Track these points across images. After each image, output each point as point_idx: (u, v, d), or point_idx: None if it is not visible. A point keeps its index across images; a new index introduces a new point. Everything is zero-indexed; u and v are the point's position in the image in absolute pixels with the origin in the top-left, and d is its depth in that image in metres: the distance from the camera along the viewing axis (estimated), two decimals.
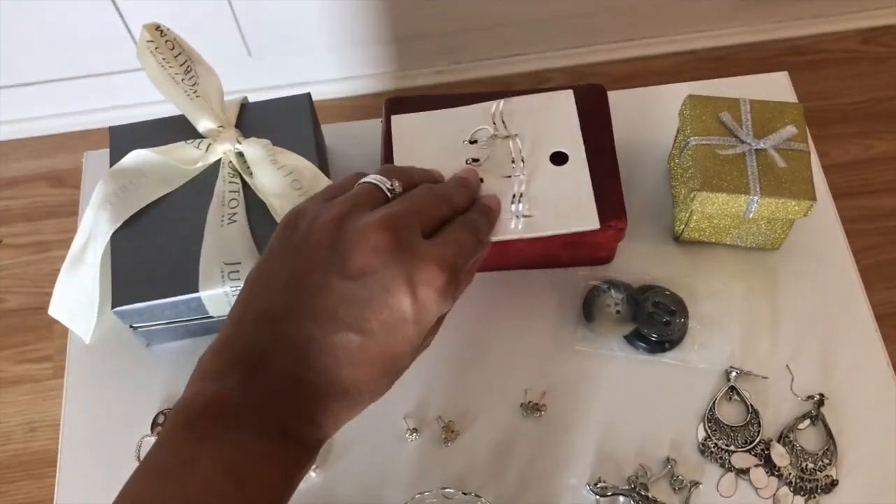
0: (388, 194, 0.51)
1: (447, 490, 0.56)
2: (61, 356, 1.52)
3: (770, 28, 1.77)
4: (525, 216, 0.62)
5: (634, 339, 0.65)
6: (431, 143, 0.64)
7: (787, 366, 0.65)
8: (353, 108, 1.74)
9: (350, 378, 0.45)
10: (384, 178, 0.51)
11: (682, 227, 0.67)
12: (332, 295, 0.45)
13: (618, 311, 0.65)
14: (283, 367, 0.44)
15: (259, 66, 1.64)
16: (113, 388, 0.66)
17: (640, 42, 1.76)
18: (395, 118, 0.65)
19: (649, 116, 0.75)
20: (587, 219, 0.62)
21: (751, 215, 0.64)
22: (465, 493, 0.56)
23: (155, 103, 0.66)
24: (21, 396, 1.51)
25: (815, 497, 0.60)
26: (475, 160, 0.62)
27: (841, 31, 1.80)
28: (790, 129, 0.64)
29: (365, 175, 0.52)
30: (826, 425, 0.62)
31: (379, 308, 0.45)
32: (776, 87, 0.77)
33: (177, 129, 0.66)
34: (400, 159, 0.64)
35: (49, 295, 0.67)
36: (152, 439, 0.63)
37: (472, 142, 0.63)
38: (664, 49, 1.78)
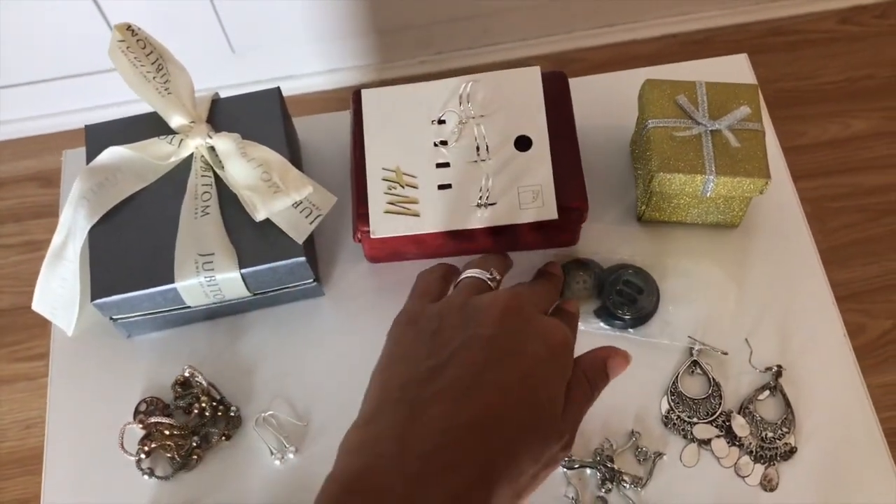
0: (490, 284, 0.55)
1: None
2: None
3: (750, 10, 1.78)
4: (489, 204, 0.64)
5: (606, 316, 0.67)
6: (400, 122, 0.66)
7: (745, 340, 0.67)
8: (337, 100, 1.75)
9: (502, 426, 0.43)
10: (483, 270, 0.56)
11: (644, 207, 0.70)
12: (477, 347, 0.46)
13: (585, 287, 0.68)
14: (439, 421, 0.42)
15: (241, 62, 1.66)
16: (96, 378, 0.68)
17: (621, 27, 1.78)
18: (365, 92, 0.68)
19: (612, 101, 0.77)
20: (546, 208, 0.64)
21: (708, 194, 0.66)
22: None
23: (140, 101, 0.68)
24: (16, 394, 1.53)
25: (774, 464, 0.63)
26: (443, 142, 0.65)
27: (819, 12, 1.82)
28: (744, 110, 0.66)
29: (449, 267, 0.58)
30: (784, 395, 0.65)
31: (520, 354, 0.46)
32: (736, 69, 0.78)
33: (151, 126, 0.68)
34: (370, 138, 0.66)
35: None
36: (134, 427, 0.65)
37: (441, 122, 0.65)
38: (645, 34, 1.79)
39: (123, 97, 1.59)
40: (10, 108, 1.72)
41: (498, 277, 0.56)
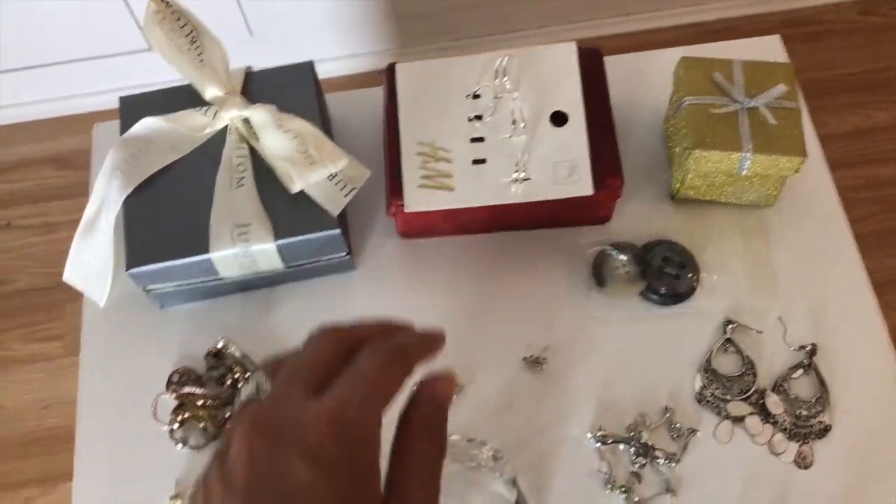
0: (261, 396, 0.40)
1: (452, 437, 0.58)
2: (72, 335, 1.55)
3: (770, 0, 1.77)
4: (524, 179, 0.64)
5: (647, 293, 0.67)
6: (435, 96, 0.66)
7: (779, 318, 0.67)
8: (358, 84, 1.75)
9: None
10: (251, 389, 0.43)
11: (679, 185, 0.69)
12: None
13: (627, 272, 0.67)
14: None
15: (260, 46, 1.65)
16: (128, 349, 0.68)
17: (641, 16, 1.77)
18: (399, 66, 0.68)
19: (645, 80, 0.77)
20: (582, 184, 0.64)
21: (744, 172, 0.65)
22: (469, 440, 0.58)
23: (158, 84, 0.69)
24: (33, 375, 1.54)
25: (808, 442, 0.63)
26: (478, 117, 0.64)
27: (840, 3, 1.81)
28: (780, 88, 0.66)
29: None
30: (818, 374, 0.64)
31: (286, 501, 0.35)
32: (769, 49, 0.78)
33: (184, 98, 0.68)
34: (404, 113, 0.66)
35: (59, 275, 0.69)
36: (167, 397, 0.65)
37: (476, 96, 0.65)
38: (666, 23, 1.79)
39: (143, 80, 1.59)
40: (28, 90, 1.72)
41: (265, 381, 0.40)
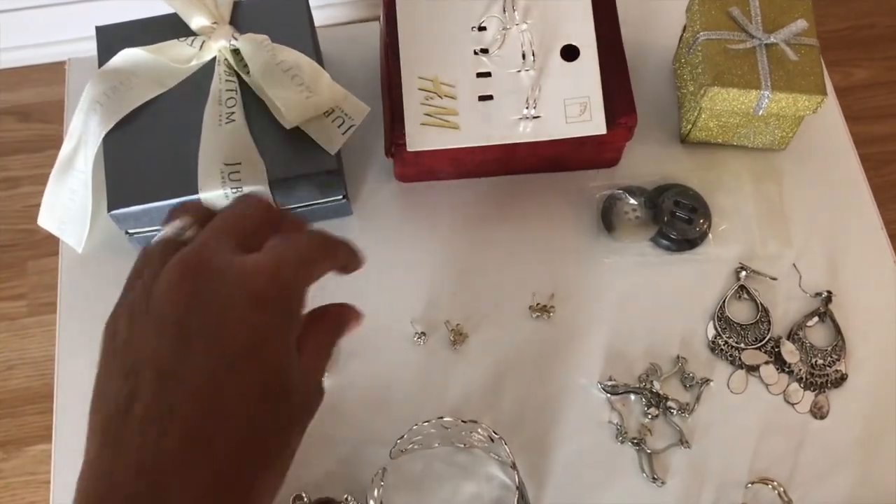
0: (183, 238, 0.41)
1: (445, 419, 0.55)
2: (36, 294, 1.49)
3: None
4: (534, 117, 0.60)
5: (658, 238, 0.64)
6: (437, 28, 0.62)
7: (793, 265, 0.64)
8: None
9: (223, 432, 0.36)
10: (168, 227, 0.42)
11: (690, 126, 0.66)
12: (166, 350, 0.37)
13: (637, 217, 0.64)
14: (142, 449, 0.35)
15: None
16: (109, 298, 0.63)
17: None
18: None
19: (650, 19, 0.73)
20: (595, 123, 0.61)
21: (760, 112, 0.62)
22: (463, 422, 0.55)
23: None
24: None
25: (824, 392, 0.61)
26: (484, 50, 0.61)
27: None
28: (801, 24, 0.63)
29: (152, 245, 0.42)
30: (834, 321, 0.62)
31: (222, 335, 0.37)
32: None
33: (168, 28, 0.63)
34: (405, 49, 0.62)
35: (23, 231, 0.65)
36: None
37: (482, 28, 0.61)
38: None
39: None
40: None
41: (191, 225, 0.41)
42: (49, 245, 0.64)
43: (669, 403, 0.60)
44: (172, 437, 0.35)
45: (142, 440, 0.35)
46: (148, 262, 0.40)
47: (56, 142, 0.64)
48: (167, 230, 0.41)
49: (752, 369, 0.61)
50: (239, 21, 0.64)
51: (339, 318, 0.45)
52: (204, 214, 0.43)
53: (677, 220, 0.64)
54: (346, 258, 0.45)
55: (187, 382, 0.36)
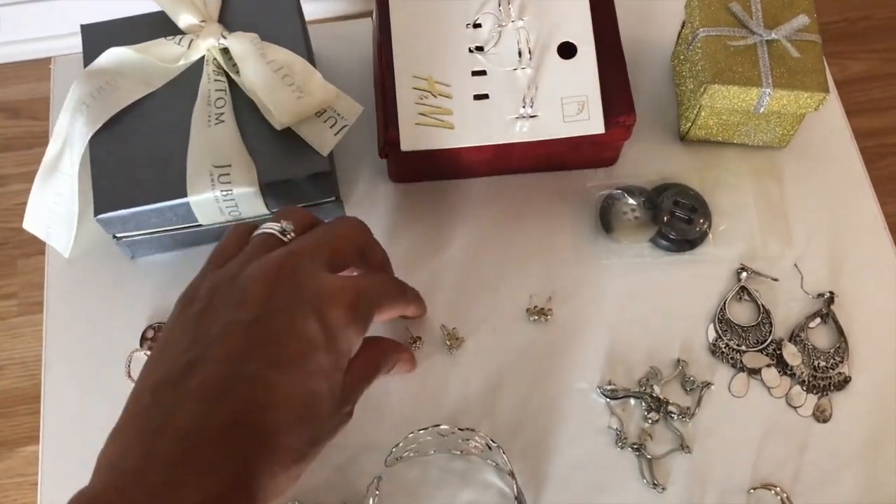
0: (284, 238, 0.47)
1: (442, 427, 0.54)
2: (27, 293, 1.48)
3: None
4: (531, 116, 0.59)
5: (657, 238, 0.63)
6: (432, 25, 0.61)
7: (795, 265, 0.63)
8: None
9: (263, 423, 0.39)
10: (274, 223, 0.47)
11: (689, 125, 0.65)
12: (236, 336, 0.41)
13: (636, 217, 0.63)
14: (190, 423, 0.38)
15: None
16: (98, 303, 0.63)
17: None
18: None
19: (648, 15, 0.72)
20: (593, 121, 0.60)
21: (761, 109, 0.61)
22: (460, 429, 0.54)
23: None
24: None
25: (827, 394, 0.60)
26: (479, 48, 0.59)
27: None
28: (802, 19, 0.62)
29: (247, 225, 0.49)
30: (837, 323, 0.61)
31: (287, 338, 0.41)
32: None
33: (155, 26, 0.62)
34: (399, 48, 0.60)
35: (12, 230, 0.63)
36: (142, 354, 0.60)
37: (477, 25, 0.60)
38: None
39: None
40: None
41: (291, 230, 0.48)
42: (39, 243, 0.63)
43: (670, 408, 0.58)
44: (220, 414, 0.38)
45: (192, 410, 0.38)
46: (242, 244, 0.47)
47: (46, 139, 0.62)
48: (274, 226, 0.47)
49: (754, 372, 0.60)
50: (228, 19, 0.63)
51: (392, 357, 0.51)
52: (309, 222, 0.49)
53: (677, 220, 0.63)
54: (416, 306, 0.54)
55: (242, 376, 0.39)
